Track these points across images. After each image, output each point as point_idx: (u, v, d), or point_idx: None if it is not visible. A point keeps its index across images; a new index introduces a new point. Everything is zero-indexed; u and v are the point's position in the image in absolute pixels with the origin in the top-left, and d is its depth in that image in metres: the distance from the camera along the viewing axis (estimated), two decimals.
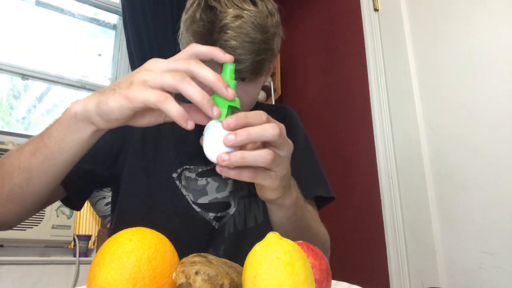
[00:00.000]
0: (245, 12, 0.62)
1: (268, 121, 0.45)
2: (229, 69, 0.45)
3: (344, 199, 1.78)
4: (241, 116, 0.43)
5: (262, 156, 0.43)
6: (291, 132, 0.82)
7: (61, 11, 1.99)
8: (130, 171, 0.74)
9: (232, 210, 0.76)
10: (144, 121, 0.47)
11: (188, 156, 0.76)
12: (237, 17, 0.61)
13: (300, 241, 0.45)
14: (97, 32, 2.13)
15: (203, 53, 0.43)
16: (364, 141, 1.71)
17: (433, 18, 1.48)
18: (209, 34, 0.62)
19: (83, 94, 1.96)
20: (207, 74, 0.41)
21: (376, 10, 1.74)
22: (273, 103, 2.22)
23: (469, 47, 1.34)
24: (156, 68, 0.42)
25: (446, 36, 1.42)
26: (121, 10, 1.95)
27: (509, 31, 1.24)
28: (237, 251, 0.73)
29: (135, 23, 1.89)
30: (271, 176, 0.48)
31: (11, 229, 0.64)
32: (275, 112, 0.87)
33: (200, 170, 0.76)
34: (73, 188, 0.69)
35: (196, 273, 0.34)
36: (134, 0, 1.91)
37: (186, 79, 0.40)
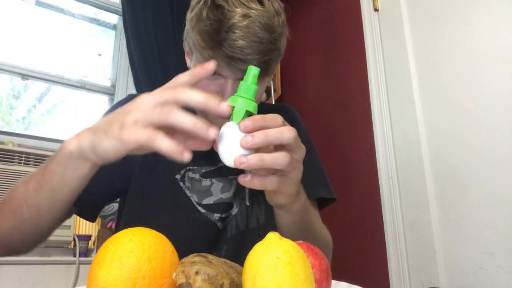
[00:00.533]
0: (253, 11, 0.62)
1: (284, 125, 0.45)
2: (253, 73, 0.44)
3: (344, 199, 1.78)
4: (258, 119, 0.42)
5: (280, 158, 0.43)
6: None
7: (61, 11, 1.99)
8: (136, 178, 0.75)
9: (234, 210, 0.76)
10: (141, 152, 0.47)
11: (191, 157, 0.75)
12: (245, 16, 0.61)
13: (300, 241, 0.45)
14: (97, 32, 2.13)
15: (198, 103, 0.41)
16: (364, 141, 1.71)
17: (433, 18, 1.48)
18: (217, 34, 0.61)
19: (83, 94, 1.96)
20: (195, 97, 0.40)
21: (376, 10, 1.74)
22: (273, 103, 2.21)
23: (469, 47, 1.34)
24: (145, 105, 0.42)
25: (446, 36, 1.42)
26: (121, 10, 1.95)
27: (509, 31, 1.24)
28: (239, 251, 0.73)
29: (135, 23, 1.89)
30: (289, 181, 0.48)
31: (29, 252, 0.68)
32: (277, 111, 0.86)
33: (203, 170, 0.76)
34: (86, 205, 0.69)
35: (196, 273, 0.34)
36: (134, 0, 1.91)
37: (173, 111, 0.39)
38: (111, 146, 0.43)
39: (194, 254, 0.39)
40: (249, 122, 0.41)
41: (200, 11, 0.64)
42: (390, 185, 1.54)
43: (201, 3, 0.65)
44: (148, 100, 0.42)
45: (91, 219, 0.74)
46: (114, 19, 2.15)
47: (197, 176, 0.75)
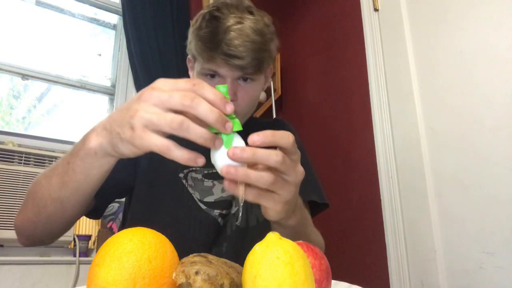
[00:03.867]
0: (245, 19, 0.72)
1: (293, 145, 0.46)
2: (222, 92, 0.45)
3: (344, 199, 1.78)
4: (268, 134, 0.43)
5: (263, 177, 0.44)
6: None
7: (61, 11, 1.99)
8: (141, 175, 0.79)
9: (233, 209, 0.80)
10: None
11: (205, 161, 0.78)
12: (238, 22, 0.71)
13: (300, 241, 0.45)
14: (97, 32, 2.13)
15: (204, 97, 0.42)
16: (364, 141, 1.71)
17: (433, 18, 1.48)
18: (215, 36, 0.71)
19: (83, 94, 1.96)
20: (206, 110, 0.40)
21: (376, 10, 1.74)
22: (273, 103, 2.22)
23: (469, 47, 1.34)
24: (148, 109, 0.42)
25: (446, 36, 1.42)
26: (121, 10, 1.94)
27: (509, 31, 1.24)
28: (239, 248, 0.76)
29: (135, 23, 1.88)
30: (275, 198, 0.48)
31: (51, 243, 0.71)
32: (272, 126, 0.94)
33: (206, 172, 0.80)
34: (103, 199, 0.73)
35: (196, 273, 0.34)
36: (134, 0, 1.90)
37: (185, 124, 0.40)
38: (128, 150, 0.45)
39: (194, 254, 0.39)
40: (258, 138, 0.42)
41: (200, 23, 0.75)
42: (390, 185, 1.54)
43: (200, 18, 0.75)
44: (151, 101, 0.42)
45: (100, 214, 0.77)
46: (114, 19, 2.15)
47: (199, 176, 0.80)
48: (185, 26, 2.01)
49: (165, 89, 0.42)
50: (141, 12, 1.90)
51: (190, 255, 0.39)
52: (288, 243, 0.34)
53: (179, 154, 0.41)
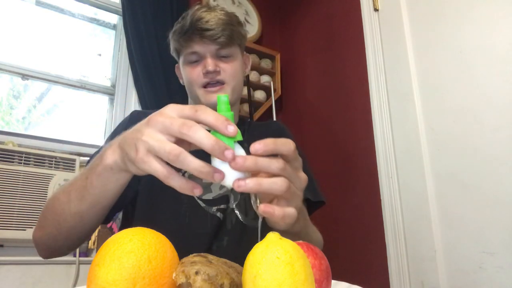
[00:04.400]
0: (215, 11, 0.85)
1: (295, 151, 0.46)
2: (223, 101, 0.45)
3: (344, 199, 1.78)
4: (269, 143, 0.43)
5: (277, 183, 0.44)
6: None
7: (61, 11, 1.98)
8: (145, 177, 0.79)
9: (232, 204, 0.82)
10: None
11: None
12: (208, 9, 0.84)
13: (300, 241, 0.45)
14: (97, 32, 2.13)
15: (207, 123, 0.43)
16: (364, 141, 1.71)
17: (433, 18, 1.48)
18: (187, 22, 0.83)
19: (83, 94, 1.96)
20: (202, 139, 0.41)
21: (376, 10, 1.74)
22: (273, 103, 2.22)
23: (469, 47, 1.34)
24: (153, 136, 0.43)
25: (446, 36, 1.42)
26: (121, 10, 1.94)
27: (509, 31, 1.24)
28: (240, 242, 0.78)
29: (135, 23, 1.88)
30: (290, 206, 0.48)
31: (70, 253, 0.74)
32: (267, 127, 1.03)
33: None
34: (115, 207, 0.73)
35: (196, 273, 0.34)
36: (134, 0, 1.90)
37: (181, 156, 0.41)
38: (134, 170, 0.48)
39: (194, 254, 0.39)
40: (260, 146, 0.42)
41: (175, 25, 0.88)
42: (390, 185, 1.54)
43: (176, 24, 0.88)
44: (156, 127, 0.43)
45: (107, 221, 0.77)
46: (114, 19, 2.15)
47: None
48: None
49: (171, 115, 0.44)
50: (141, 12, 1.90)
51: (190, 255, 0.39)
52: (288, 243, 0.34)
53: (178, 183, 0.43)
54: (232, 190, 0.81)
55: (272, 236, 0.35)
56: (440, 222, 1.35)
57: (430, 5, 1.49)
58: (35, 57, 1.85)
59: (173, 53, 0.92)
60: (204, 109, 0.43)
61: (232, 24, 0.85)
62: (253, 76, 2.26)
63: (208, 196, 0.81)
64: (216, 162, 0.43)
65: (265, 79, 2.31)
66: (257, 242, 0.36)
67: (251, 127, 0.96)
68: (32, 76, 1.82)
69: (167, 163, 0.43)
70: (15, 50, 1.82)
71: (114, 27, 2.15)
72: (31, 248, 1.51)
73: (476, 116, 1.28)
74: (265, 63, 2.35)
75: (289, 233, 0.57)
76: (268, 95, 2.29)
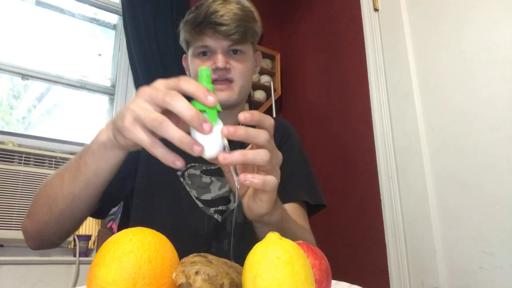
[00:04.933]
0: (229, 3, 0.81)
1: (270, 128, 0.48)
2: (205, 74, 0.47)
3: (344, 199, 1.78)
4: (256, 114, 0.46)
5: (260, 154, 0.46)
6: (286, 144, 0.90)
7: (61, 11, 1.98)
8: (141, 173, 0.81)
9: (232, 205, 0.80)
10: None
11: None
12: (223, 1, 0.80)
13: (300, 241, 0.45)
14: (97, 32, 2.13)
15: (188, 92, 0.45)
16: (364, 141, 1.71)
17: (433, 18, 1.48)
18: (201, 13, 0.78)
19: (83, 94, 1.96)
20: (182, 109, 0.42)
21: (376, 10, 1.74)
22: (273, 103, 2.21)
23: (469, 47, 1.34)
24: (140, 104, 0.45)
25: (446, 35, 1.42)
26: (121, 10, 1.94)
27: (509, 31, 1.24)
28: (240, 245, 0.76)
29: (135, 23, 1.88)
30: (269, 181, 0.49)
31: (58, 246, 0.72)
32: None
33: (204, 168, 0.82)
34: (107, 199, 0.72)
35: (196, 273, 0.34)
36: (134, 0, 1.90)
37: (164, 124, 0.42)
38: (122, 141, 0.49)
39: (194, 254, 0.39)
40: (249, 115, 0.45)
41: (188, 14, 0.84)
42: (390, 185, 1.54)
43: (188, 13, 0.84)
44: (144, 97, 0.45)
45: (105, 214, 0.78)
46: (114, 19, 2.15)
47: (198, 172, 0.81)
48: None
49: (158, 86, 0.46)
50: (141, 12, 1.90)
51: (190, 255, 0.39)
52: (288, 243, 0.34)
53: (160, 153, 0.44)
54: (231, 191, 0.80)
55: (272, 236, 0.35)
56: (440, 222, 1.35)
57: (430, 5, 1.49)
58: (35, 57, 1.85)
59: (182, 43, 0.88)
60: (187, 79, 0.45)
61: (247, 21, 0.81)
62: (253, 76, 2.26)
63: (207, 197, 0.80)
64: (197, 136, 0.44)
65: (265, 79, 2.31)
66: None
67: None
68: (32, 76, 1.82)
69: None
70: (15, 50, 1.82)
71: (114, 27, 2.15)
72: None
73: (476, 116, 1.28)
74: (265, 63, 2.35)
75: (268, 224, 0.57)
76: (268, 95, 2.29)
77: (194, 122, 0.42)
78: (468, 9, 1.36)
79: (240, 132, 0.44)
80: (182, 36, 0.86)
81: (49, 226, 0.63)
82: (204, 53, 0.81)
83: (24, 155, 1.53)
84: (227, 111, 0.82)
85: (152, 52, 1.87)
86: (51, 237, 0.66)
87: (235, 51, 0.81)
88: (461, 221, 1.28)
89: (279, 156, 0.50)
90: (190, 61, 0.86)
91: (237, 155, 0.44)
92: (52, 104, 1.93)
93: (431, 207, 1.37)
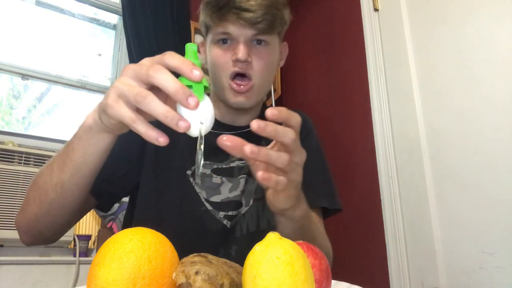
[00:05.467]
0: None
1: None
2: (191, 50, 0.46)
3: (344, 199, 1.77)
4: (284, 110, 0.46)
5: (281, 157, 0.47)
6: (305, 140, 0.85)
7: (61, 11, 1.99)
8: (147, 170, 0.76)
9: (243, 209, 0.76)
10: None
11: (204, 153, 0.75)
12: None
13: (300, 241, 0.45)
14: (97, 32, 2.13)
15: (173, 66, 0.44)
16: (364, 141, 1.71)
17: (433, 18, 1.48)
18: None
19: (83, 94, 1.96)
20: (167, 82, 0.41)
21: (376, 10, 1.74)
22: (273, 103, 2.21)
23: (469, 47, 1.34)
24: (124, 81, 0.44)
25: (446, 35, 1.42)
26: (121, 10, 1.94)
27: (509, 31, 1.24)
28: (247, 251, 0.73)
29: (135, 23, 1.88)
30: (288, 183, 0.50)
31: (54, 242, 0.69)
32: None
33: (215, 167, 0.77)
34: (104, 196, 0.71)
35: (196, 273, 0.34)
36: (134, 0, 1.90)
37: (148, 98, 0.41)
38: (106, 120, 0.47)
39: (194, 254, 0.39)
40: (276, 112, 0.45)
41: None
42: (390, 185, 1.54)
43: None
44: (128, 74, 0.45)
45: (107, 209, 0.75)
46: (114, 19, 2.15)
47: (208, 171, 0.76)
48: (185, 26, 2.01)
49: (143, 63, 0.45)
50: (141, 12, 1.90)
51: (190, 255, 0.39)
52: (288, 243, 0.34)
53: (143, 129, 0.42)
54: (243, 194, 0.76)
55: (272, 236, 0.35)
56: (440, 222, 1.35)
57: (430, 5, 1.49)
58: (35, 57, 1.85)
59: (201, 26, 0.78)
60: (172, 54, 0.44)
61: (277, 7, 0.72)
62: None
63: (216, 199, 0.75)
64: (183, 113, 0.43)
65: None
66: None
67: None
68: (32, 76, 1.82)
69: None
70: (15, 50, 1.82)
71: (114, 27, 2.15)
72: (31, 248, 1.51)
73: (476, 116, 1.28)
74: None
75: (292, 218, 0.57)
76: (268, 95, 2.29)
77: (178, 95, 0.41)
78: (468, 9, 1.36)
79: (269, 129, 0.44)
80: (202, 18, 0.76)
81: (39, 219, 0.60)
82: (224, 41, 0.72)
83: (24, 155, 1.53)
84: (244, 110, 0.79)
85: (152, 52, 1.86)
86: (43, 231, 0.63)
87: (259, 41, 0.72)
88: (461, 221, 1.28)
89: (302, 155, 0.50)
90: (208, 48, 0.77)
91: (262, 154, 0.45)
92: (52, 104, 1.93)
93: (431, 207, 1.37)
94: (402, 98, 1.56)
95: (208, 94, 0.46)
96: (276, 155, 0.46)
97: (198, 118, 0.43)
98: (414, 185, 1.45)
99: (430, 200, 1.38)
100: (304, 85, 2.23)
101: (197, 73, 0.42)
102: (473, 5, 1.34)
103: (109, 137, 0.51)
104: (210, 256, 0.39)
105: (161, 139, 0.42)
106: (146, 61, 0.45)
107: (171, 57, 0.43)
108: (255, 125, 0.43)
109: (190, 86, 0.43)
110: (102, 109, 0.45)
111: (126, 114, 0.42)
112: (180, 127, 0.41)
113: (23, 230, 0.64)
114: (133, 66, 0.45)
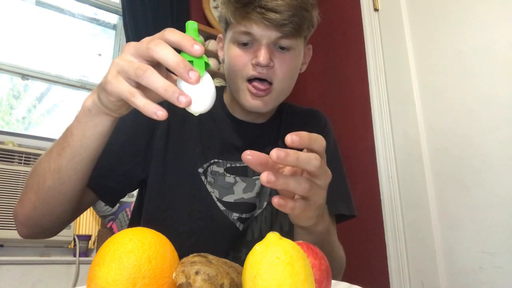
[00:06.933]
0: None
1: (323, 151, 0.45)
2: (192, 27, 0.45)
3: None
4: (305, 136, 0.43)
5: (301, 184, 0.44)
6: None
7: (61, 11, 1.99)
8: (155, 167, 0.72)
9: (257, 211, 0.74)
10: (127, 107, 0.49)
11: (217, 150, 0.74)
12: None
13: (300, 241, 0.45)
14: (97, 32, 2.13)
15: (173, 41, 0.43)
16: (364, 141, 1.71)
17: (433, 18, 1.48)
18: None
19: (83, 94, 1.96)
20: (167, 55, 0.41)
21: (376, 10, 1.74)
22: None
23: (469, 47, 1.34)
24: (125, 58, 0.44)
25: (446, 35, 1.42)
26: (121, 10, 1.94)
27: (509, 31, 1.23)
28: None
29: (135, 23, 1.88)
30: (309, 205, 0.48)
31: (54, 236, 0.66)
32: (309, 116, 0.90)
33: (228, 165, 0.73)
34: (105, 191, 0.69)
35: (196, 273, 0.34)
36: (134, 0, 1.91)
37: (148, 72, 0.41)
38: (105, 98, 0.46)
39: (194, 254, 0.39)
40: (297, 138, 0.42)
41: None
42: (390, 185, 1.54)
43: None
44: (129, 51, 0.44)
45: (111, 204, 0.72)
46: (114, 19, 2.15)
47: (221, 170, 0.73)
48: (185, 26, 2.00)
49: (145, 40, 0.44)
50: (141, 12, 1.90)
51: (190, 255, 0.39)
52: (288, 243, 0.34)
53: (141, 103, 0.41)
54: (258, 196, 0.74)
55: (272, 236, 0.35)
56: (440, 222, 1.35)
57: (430, 5, 1.49)
58: (35, 57, 1.85)
59: (220, 21, 0.73)
60: (172, 30, 0.43)
61: (306, 9, 0.66)
62: None
63: (229, 199, 0.72)
64: (183, 88, 0.42)
65: None
66: None
67: (290, 111, 0.87)
68: (32, 76, 1.82)
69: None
70: (15, 50, 1.82)
71: (114, 27, 2.15)
72: (31, 248, 1.52)
73: (476, 115, 1.28)
74: None
75: (313, 233, 0.56)
76: None
77: (179, 68, 0.40)
78: (468, 9, 1.36)
79: (290, 159, 0.41)
80: (223, 12, 0.70)
81: (36, 207, 0.58)
82: (245, 42, 0.67)
83: (24, 155, 1.53)
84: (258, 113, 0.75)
85: None
86: (40, 221, 0.60)
87: (283, 47, 0.67)
88: (461, 221, 1.28)
89: (327, 178, 0.48)
90: (226, 46, 0.71)
91: (280, 183, 0.42)
92: (52, 104, 1.93)
93: (431, 207, 1.37)
94: (402, 98, 1.56)
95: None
96: (295, 183, 0.44)
97: (199, 95, 0.42)
98: (414, 185, 1.45)
99: (430, 200, 1.38)
100: (304, 85, 2.23)
101: (198, 48, 0.41)
102: (473, 5, 1.34)
103: (108, 119, 0.50)
104: (210, 256, 0.39)
105: (159, 113, 0.41)
106: (146, 38, 0.44)
107: (171, 33, 0.43)
108: (275, 155, 0.40)
109: (191, 62, 0.42)
110: (102, 87, 0.45)
111: (125, 88, 0.42)
112: (181, 102, 0.40)
113: (20, 220, 0.62)
114: (133, 43, 0.44)
